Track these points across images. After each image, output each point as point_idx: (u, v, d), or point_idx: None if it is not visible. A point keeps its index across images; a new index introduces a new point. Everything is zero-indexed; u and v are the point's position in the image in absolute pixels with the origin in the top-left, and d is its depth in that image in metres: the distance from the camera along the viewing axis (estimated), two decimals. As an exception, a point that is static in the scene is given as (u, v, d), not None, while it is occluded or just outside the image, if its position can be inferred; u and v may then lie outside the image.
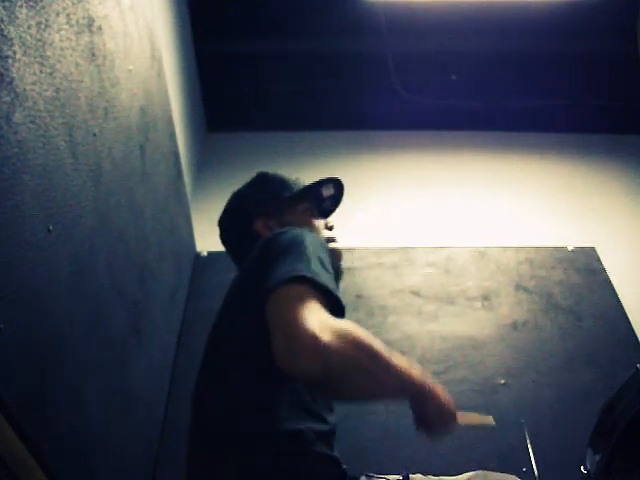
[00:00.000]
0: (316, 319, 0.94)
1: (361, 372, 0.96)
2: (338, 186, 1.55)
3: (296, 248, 1.09)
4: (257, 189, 1.50)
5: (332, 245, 1.40)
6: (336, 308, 1.02)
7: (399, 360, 1.01)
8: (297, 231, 1.16)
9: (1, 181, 0.87)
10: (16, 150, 0.91)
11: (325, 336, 0.92)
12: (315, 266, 1.04)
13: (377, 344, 0.99)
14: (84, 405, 1.19)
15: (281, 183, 1.49)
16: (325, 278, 1.03)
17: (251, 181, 1.54)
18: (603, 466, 1.00)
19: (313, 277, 1.01)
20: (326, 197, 1.53)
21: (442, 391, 1.05)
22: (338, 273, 1.41)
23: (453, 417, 1.06)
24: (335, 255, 1.38)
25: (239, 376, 1.09)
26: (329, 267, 1.09)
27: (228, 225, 1.51)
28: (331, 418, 1.13)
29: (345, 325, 0.97)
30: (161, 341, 1.81)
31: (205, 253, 2.31)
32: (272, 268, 1.05)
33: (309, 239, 1.12)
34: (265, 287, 1.03)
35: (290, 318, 0.94)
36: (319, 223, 1.44)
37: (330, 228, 1.46)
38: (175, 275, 1.99)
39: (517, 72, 2.81)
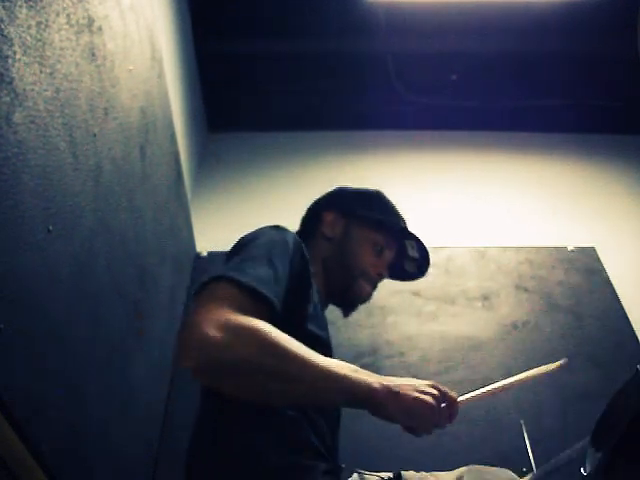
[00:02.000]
0: (215, 317, 0.87)
1: (257, 369, 0.88)
2: (424, 257, 1.46)
3: (243, 249, 1.05)
4: (359, 193, 1.45)
5: (365, 285, 1.35)
6: (265, 306, 0.95)
7: (333, 364, 0.92)
8: (258, 231, 1.12)
9: (1, 181, 0.87)
10: (16, 150, 0.91)
11: (215, 334, 0.85)
12: (249, 265, 0.98)
13: (290, 344, 0.90)
14: (84, 405, 1.19)
15: (383, 207, 1.44)
16: (252, 275, 0.96)
17: (365, 188, 1.48)
18: (603, 467, 1.00)
19: (233, 277, 0.94)
20: (410, 255, 1.44)
21: (415, 390, 0.96)
22: (350, 306, 1.39)
23: (431, 415, 0.96)
24: (360, 292, 1.34)
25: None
26: (279, 266, 1.01)
27: (310, 207, 1.47)
28: (321, 413, 1.12)
29: (248, 322, 0.89)
30: (161, 341, 1.81)
31: (205, 253, 2.31)
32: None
33: (266, 236, 1.08)
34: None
35: (188, 319, 0.89)
36: (371, 259, 1.35)
37: (379, 275, 1.38)
38: (175, 275, 1.99)
39: (517, 72, 2.80)
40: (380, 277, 1.38)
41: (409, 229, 1.44)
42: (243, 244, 1.08)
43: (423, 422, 0.97)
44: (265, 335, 0.89)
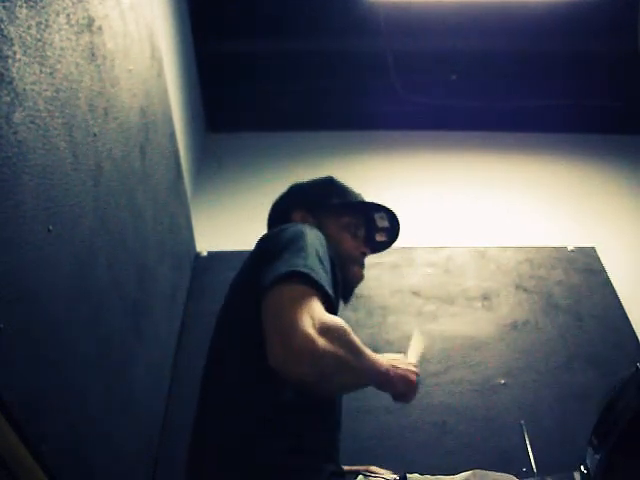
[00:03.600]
0: (311, 320, 0.95)
1: (348, 370, 1.00)
2: (394, 222, 1.52)
3: (295, 243, 1.09)
4: (315, 186, 1.49)
5: (357, 269, 1.40)
6: (328, 307, 1.03)
7: (369, 351, 1.08)
8: (298, 227, 1.17)
9: (1, 181, 0.87)
10: (16, 150, 0.91)
11: (320, 340, 0.94)
12: (312, 262, 1.05)
13: (357, 339, 1.04)
14: (84, 405, 1.19)
15: (341, 190, 1.48)
16: (321, 275, 1.04)
17: (317, 179, 1.52)
18: (603, 466, 1.00)
19: (309, 273, 1.02)
20: (380, 226, 1.50)
21: (401, 366, 1.17)
22: (350, 293, 1.43)
23: (415, 385, 1.19)
24: (355, 277, 1.40)
25: (240, 375, 1.09)
26: (326, 264, 1.10)
27: (274, 209, 1.51)
28: (331, 416, 1.13)
29: (338, 322, 1.00)
30: (161, 341, 1.81)
31: (205, 253, 2.31)
32: (271, 264, 1.06)
33: (309, 235, 1.13)
34: (262, 284, 1.03)
35: (286, 321, 0.95)
36: (352, 243, 1.41)
37: (363, 254, 1.43)
38: (175, 275, 1.99)
39: (517, 72, 2.81)
40: (364, 255, 1.44)
41: (373, 202, 1.50)
42: (291, 239, 1.12)
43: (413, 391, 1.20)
44: (351, 336, 1.02)
